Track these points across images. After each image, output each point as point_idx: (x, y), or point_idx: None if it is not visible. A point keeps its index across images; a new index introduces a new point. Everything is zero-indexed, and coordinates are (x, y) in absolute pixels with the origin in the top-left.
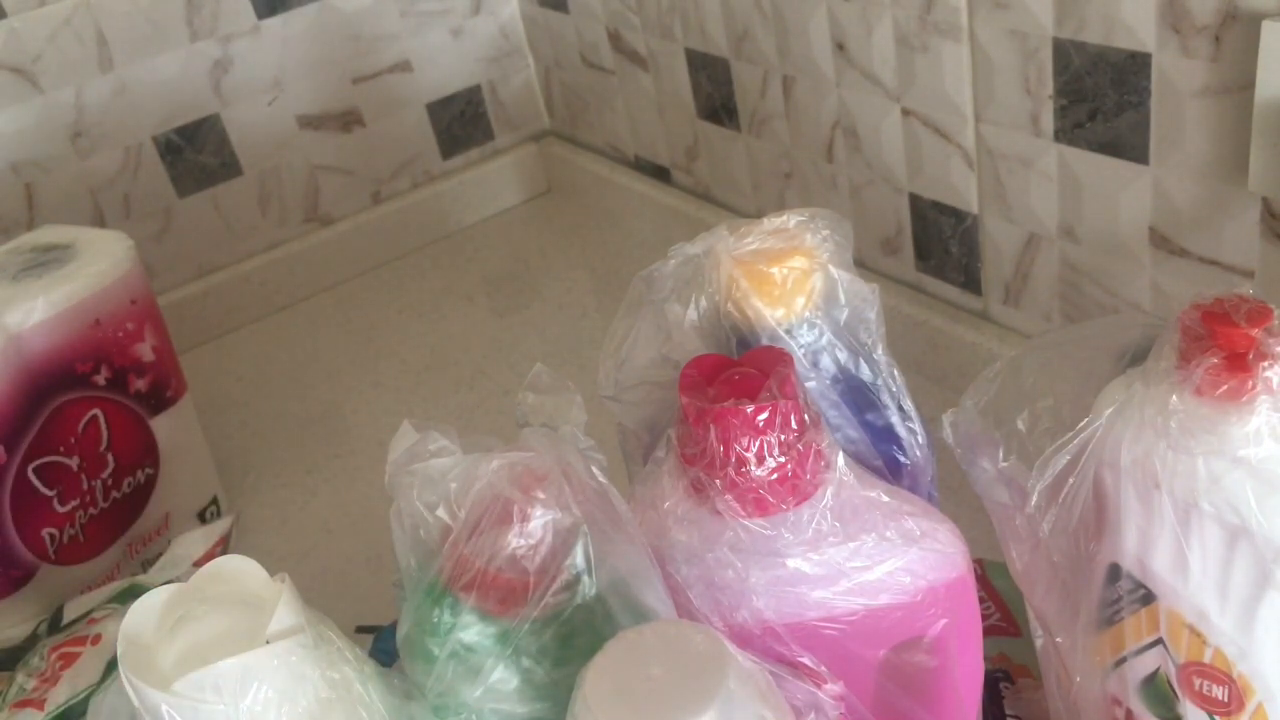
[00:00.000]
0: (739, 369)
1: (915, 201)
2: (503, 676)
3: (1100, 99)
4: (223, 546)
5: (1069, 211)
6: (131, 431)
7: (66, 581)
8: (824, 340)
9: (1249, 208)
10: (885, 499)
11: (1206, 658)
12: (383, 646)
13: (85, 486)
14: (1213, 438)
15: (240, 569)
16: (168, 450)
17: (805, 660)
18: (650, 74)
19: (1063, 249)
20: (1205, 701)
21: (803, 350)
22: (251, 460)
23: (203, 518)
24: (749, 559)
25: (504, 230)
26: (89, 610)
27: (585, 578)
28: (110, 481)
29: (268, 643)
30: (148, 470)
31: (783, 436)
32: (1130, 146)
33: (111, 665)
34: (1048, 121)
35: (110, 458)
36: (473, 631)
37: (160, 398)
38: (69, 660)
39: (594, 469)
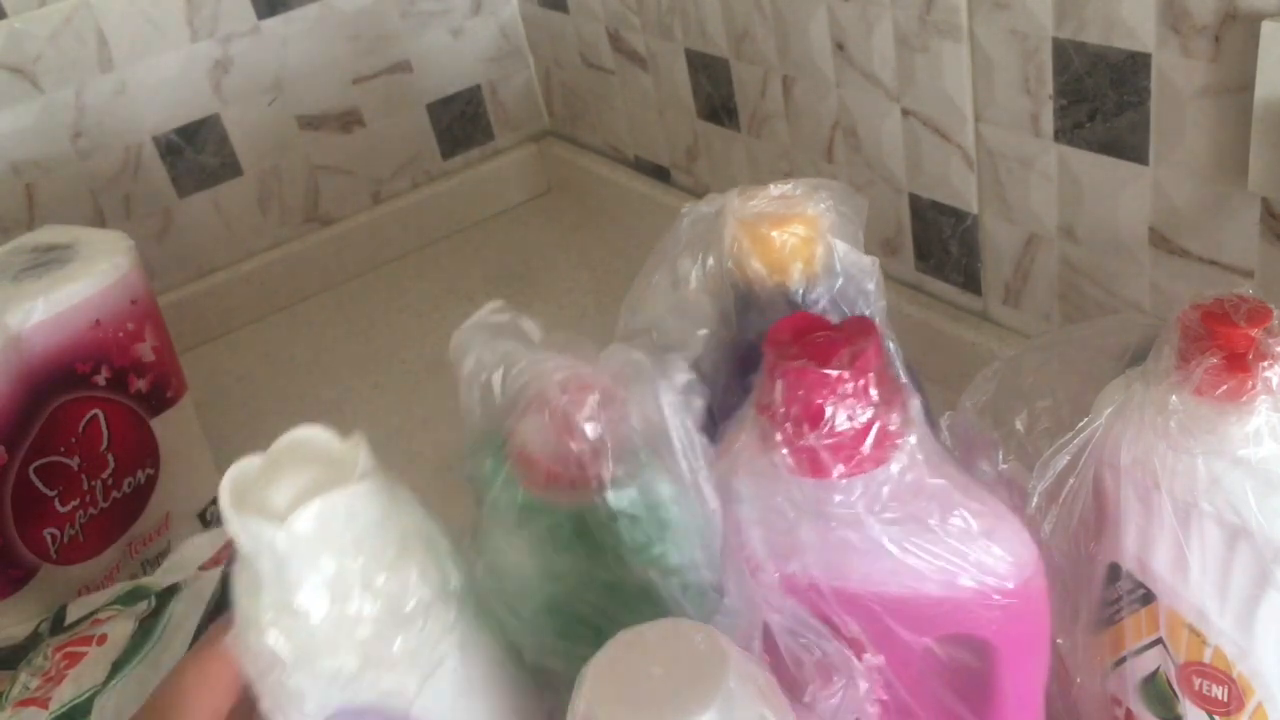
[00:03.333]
0: (827, 333)
1: (915, 201)
2: (521, 547)
3: (1100, 99)
4: (230, 549)
5: (1069, 211)
6: (132, 432)
7: (67, 581)
8: (821, 307)
9: (1249, 208)
10: (952, 491)
11: (1206, 657)
12: None
13: (86, 487)
14: (1212, 438)
15: (313, 435)
16: (168, 450)
17: (849, 625)
18: (650, 74)
19: (1062, 249)
20: (1205, 701)
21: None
22: None
23: (203, 518)
24: (802, 515)
25: (504, 230)
26: (93, 611)
27: (624, 488)
28: (110, 481)
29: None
30: (148, 471)
31: (846, 406)
32: (1130, 147)
33: (117, 665)
34: (1047, 121)
35: (110, 458)
36: (512, 496)
37: (160, 398)
38: (74, 660)
39: (664, 401)
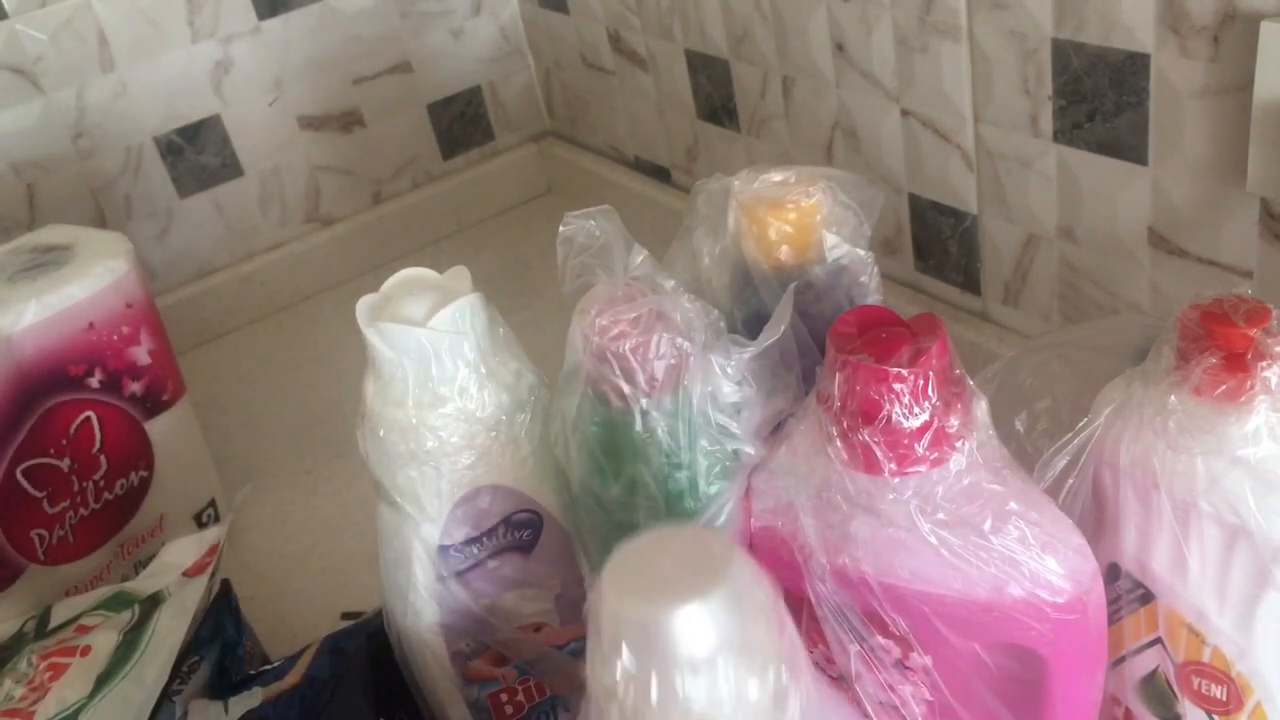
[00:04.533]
0: (892, 329)
1: (914, 202)
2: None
3: (1099, 99)
4: (215, 556)
5: (1068, 212)
6: (125, 434)
7: (55, 581)
8: (813, 295)
9: (1247, 208)
10: (1010, 498)
11: (1205, 657)
12: None
13: (76, 488)
14: (1211, 438)
15: (418, 273)
16: (163, 453)
17: (898, 623)
18: (650, 74)
19: (1062, 249)
20: (1204, 701)
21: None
22: (251, 461)
23: (199, 520)
24: (854, 508)
25: (504, 230)
26: (77, 615)
27: (663, 407)
28: (102, 483)
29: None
30: (141, 473)
31: (903, 404)
32: (1129, 147)
33: (102, 680)
34: (1047, 122)
35: (103, 460)
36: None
37: (156, 400)
38: (58, 671)
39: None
